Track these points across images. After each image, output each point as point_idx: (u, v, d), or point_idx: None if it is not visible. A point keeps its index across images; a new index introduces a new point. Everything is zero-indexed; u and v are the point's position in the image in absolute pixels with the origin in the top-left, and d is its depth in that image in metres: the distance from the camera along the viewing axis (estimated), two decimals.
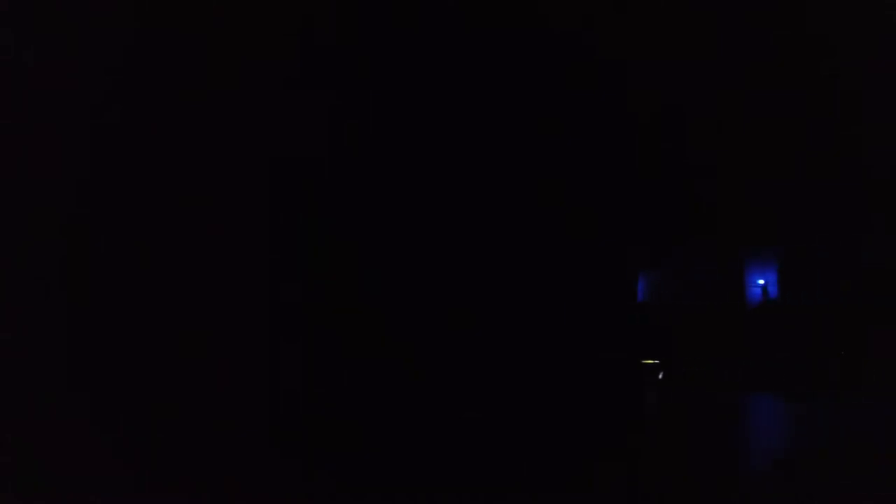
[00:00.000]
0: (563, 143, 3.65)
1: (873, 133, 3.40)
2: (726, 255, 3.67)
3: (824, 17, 3.46)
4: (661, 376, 3.52)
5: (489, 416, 3.19)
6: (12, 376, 3.37)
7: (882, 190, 3.38)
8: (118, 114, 3.96)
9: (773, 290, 3.56)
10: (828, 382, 3.21)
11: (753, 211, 3.49)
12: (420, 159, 3.76)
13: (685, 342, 3.61)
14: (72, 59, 3.89)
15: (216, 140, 3.90)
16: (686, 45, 3.55)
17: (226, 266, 3.89)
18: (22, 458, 2.77)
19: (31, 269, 3.79)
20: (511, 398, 3.39)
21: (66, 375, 3.53)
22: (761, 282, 3.54)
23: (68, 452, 2.80)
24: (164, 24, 3.90)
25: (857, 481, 2.35)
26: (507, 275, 3.65)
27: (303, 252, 3.82)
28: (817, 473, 2.45)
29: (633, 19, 3.58)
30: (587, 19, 3.61)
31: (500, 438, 3.04)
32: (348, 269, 3.76)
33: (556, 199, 3.64)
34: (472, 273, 3.66)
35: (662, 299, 3.72)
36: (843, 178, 3.41)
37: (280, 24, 3.83)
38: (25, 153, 3.86)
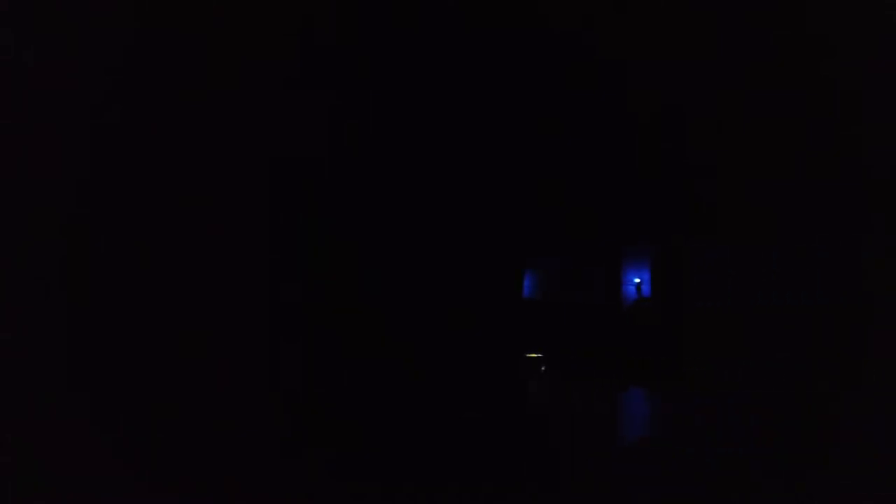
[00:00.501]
0: (563, 143, 3.65)
1: (873, 133, 3.40)
2: (606, 253, 3.84)
3: (824, 17, 3.46)
4: (543, 369, 3.70)
5: (488, 415, 3.20)
6: (12, 376, 3.37)
7: (882, 190, 3.38)
8: (118, 114, 3.97)
9: (646, 289, 3.74)
10: (695, 379, 3.35)
11: (752, 210, 3.49)
12: (420, 159, 3.76)
13: (567, 337, 3.81)
14: (72, 59, 3.89)
15: (216, 140, 3.90)
16: (686, 45, 3.55)
17: (226, 266, 3.89)
18: (22, 458, 2.77)
19: (31, 269, 3.79)
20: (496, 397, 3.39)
21: (66, 375, 3.53)
22: (637, 280, 3.70)
23: (68, 452, 2.80)
24: (164, 24, 3.90)
25: (694, 465, 2.62)
26: (496, 274, 3.66)
27: (303, 252, 3.82)
28: (663, 456, 2.66)
29: (633, 19, 3.59)
30: (587, 19, 3.61)
31: (499, 438, 3.04)
32: (348, 269, 3.76)
33: (556, 199, 3.64)
34: (473, 272, 3.67)
35: (546, 296, 3.90)
36: (843, 178, 3.41)
37: (280, 24, 3.83)
38: (25, 153, 3.86)
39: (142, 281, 3.96)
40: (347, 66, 3.83)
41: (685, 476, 2.76)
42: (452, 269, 3.55)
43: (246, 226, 3.91)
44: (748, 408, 3.18)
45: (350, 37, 3.81)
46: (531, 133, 3.70)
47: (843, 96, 3.44)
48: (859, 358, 3.24)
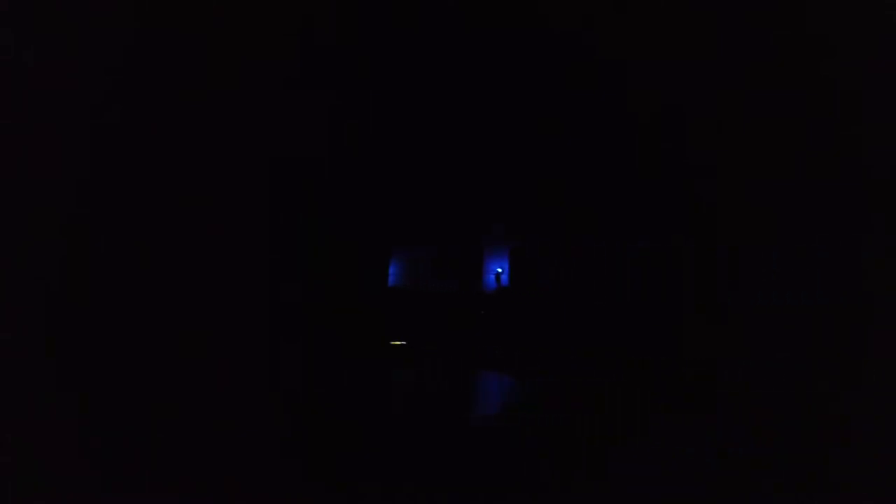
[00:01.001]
0: (563, 143, 3.65)
1: (873, 133, 3.40)
2: (469, 243, 3.93)
3: (824, 17, 3.46)
4: (407, 355, 3.81)
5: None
6: (12, 376, 3.37)
7: (882, 190, 3.38)
8: (118, 114, 3.97)
9: (504, 279, 3.86)
10: (555, 364, 3.57)
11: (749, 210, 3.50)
12: (420, 159, 3.76)
13: (431, 324, 3.92)
14: (72, 59, 3.89)
15: (216, 140, 3.90)
16: (686, 45, 3.55)
17: (226, 266, 3.89)
18: (22, 458, 2.77)
19: (31, 269, 3.79)
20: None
21: (67, 375, 3.53)
22: (499, 270, 3.80)
23: (68, 452, 2.80)
24: (164, 24, 3.90)
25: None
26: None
27: (303, 252, 3.82)
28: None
29: (633, 19, 3.59)
30: (587, 19, 3.61)
31: (499, 439, 3.04)
32: (348, 268, 3.76)
33: (556, 198, 3.64)
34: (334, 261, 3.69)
35: (412, 284, 3.98)
36: (843, 178, 3.41)
37: (280, 24, 3.83)
38: (25, 153, 3.86)
39: (142, 281, 3.96)
40: (347, 66, 3.83)
41: (684, 476, 2.76)
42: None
43: (246, 226, 3.91)
44: (748, 409, 3.18)
45: (350, 37, 3.82)
46: (531, 133, 3.70)
47: (843, 96, 3.44)
48: (859, 358, 3.24)
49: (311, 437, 3.08)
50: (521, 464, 2.90)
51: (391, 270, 3.89)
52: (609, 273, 3.45)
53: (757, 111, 3.49)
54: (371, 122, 3.81)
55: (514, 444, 3.00)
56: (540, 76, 3.67)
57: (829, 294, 3.34)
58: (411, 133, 3.84)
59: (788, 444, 2.93)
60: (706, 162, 3.50)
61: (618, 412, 3.20)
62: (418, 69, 3.76)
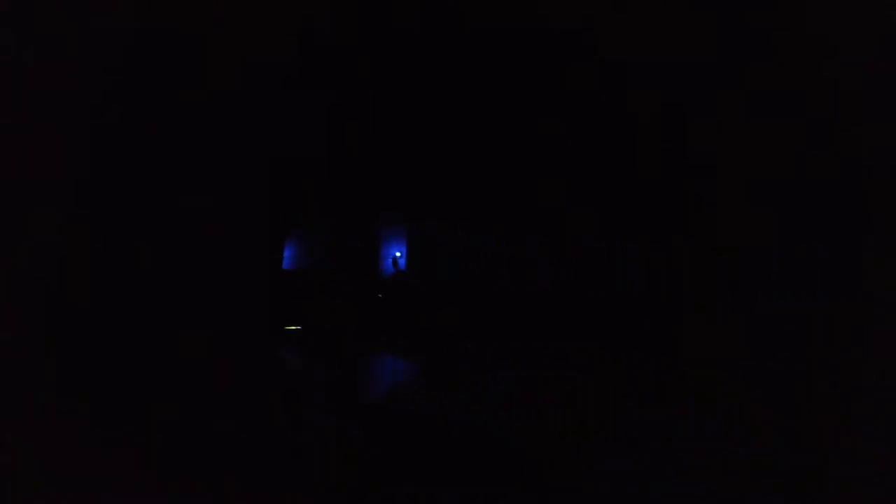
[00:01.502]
0: (564, 143, 3.65)
1: (873, 133, 3.40)
2: (365, 227, 3.97)
3: (824, 17, 3.47)
4: (302, 339, 3.85)
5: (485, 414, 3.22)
6: (12, 376, 3.37)
7: (882, 190, 3.38)
8: (118, 114, 3.97)
9: (402, 263, 3.91)
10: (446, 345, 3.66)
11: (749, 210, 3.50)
12: (420, 159, 3.76)
13: (327, 308, 3.97)
14: (72, 59, 3.89)
15: (216, 140, 3.90)
16: (686, 45, 3.56)
17: (226, 266, 3.90)
18: (22, 458, 2.77)
19: (31, 269, 3.79)
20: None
21: (67, 375, 3.53)
22: (398, 254, 3.83)
23: (68, 452, 2.80)
24: (164, 24, 3.90)
25: (694, 465, 2.83)
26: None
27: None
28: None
29: (633, 19, 3.59)
30: (587, 19, 3.61)
31: (499, 438, 3.05)
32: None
33: (556, 198, 3.64)
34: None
35: (308, 267, 4.02)
36: (843, 178, 3.41)
37: (280, 24, 3.83)
38: (25, 153, 3.86)
39: (142, 281, 3.96)
40: (347, 66, 3.83)
41: (684, 476, 2.76)
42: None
43: (246, 226, 3.92)
44: (748, 409, 3.18)
45: (350, 37, 3.82)
46: (531, 133, 3.70)
47: (843, 96, 3.44)
48: (859, 358, 3.24)
49: (311, 437, 3.08)
50: (513, 462, 2.91)
51: (286, 254, 3.91)
52: (786, 278, 3.41)
53: (757, 111, 3.49)
54: (371, 122, 3.81)
55: (503, 443, 3.01)
56: (540, 76, 3.67)
57: (829, 294, 3.35)
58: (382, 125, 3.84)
59: (788, 444, 2.93)
60: (706, 162, 3.51)
61: (617, 412, 3.21)
62: (418, 69, 3.76)
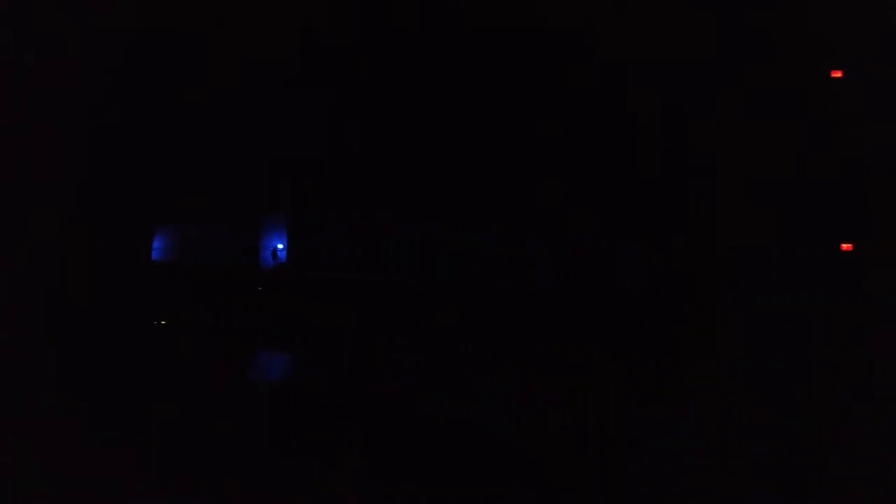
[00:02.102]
0: (564, 143, 3.65)
1: (873, 133, 3.40)
2: (244, 218, 3.94)
3: (824, 17, 3.47)
4: (170, 334, 3.81)
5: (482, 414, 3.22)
6: (12, 376, 3.37)
7: (882, 190, 3.38)
8: (118, 114, 3.97)
9: (282, 255, 3.89)
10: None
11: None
12: (420, 159, 3.76)
13: (201, 301, 3.92)
14: (72, 59, 3.89)
15: (216, 140, 3.90)
16: (686, 45, 3.56)
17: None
18: (22, 458, 2.77)
19: (31, 269, 3.79)
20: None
21: (66, 375, 3.53)
22: (280, 246, 3.80)
23: (68, 452, 2.80)
24: (164, 24, 3.90)
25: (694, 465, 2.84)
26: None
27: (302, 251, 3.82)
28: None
29: (633, 19, 3.59)
30: (587, 19, 3.61)
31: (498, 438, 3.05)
32: (104, 245, 3.80)
33: (556, 198, 3.64)
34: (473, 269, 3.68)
35: (181, 259, 3.96)
36: (843, 178, 3.41)
37: (280, 24, 3.83)
38: (25, 153, 3.86)
39: (141, 280, 3.96)
40: (347, 66, 3.83)
41: (684, 475, 2.76)
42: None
43: (246, 226, 3.91)
44: (748, 409, 3.19)
45: (350, 37, 3.81)
46: (531, 132, 3.70)
47: (843, 96, 3.44)
48: (859, 358, 3.24)
49: (311, 437, 3.08)
50: (513, 462, 2.91)
51: (158, 246, 3.85)
52: (786, 278, 3.39)
53: (757, 111, 3.49)
54: (371, 122, 3.81)
55: (503, 443, 3.01)
56: (540, 76, 3.67)
57: (829, 294, 3.34)
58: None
59: (788, 444, 2.93)
60: (706, 162, 3.51)
61: (617, 412, 3.21)
62: (418, 69, 3.76)
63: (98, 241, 3.98)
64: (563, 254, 3.60)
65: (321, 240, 3.82)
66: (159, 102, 4.00)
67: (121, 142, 3.99)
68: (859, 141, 3.40)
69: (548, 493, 2.69)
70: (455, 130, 3.74)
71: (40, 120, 3.89)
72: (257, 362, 3.83)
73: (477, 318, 3.60)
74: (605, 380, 3.36)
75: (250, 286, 3.89)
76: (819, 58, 3.46)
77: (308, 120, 3.86)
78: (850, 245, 3.37)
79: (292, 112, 3.87)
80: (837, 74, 3.42)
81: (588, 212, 3.60)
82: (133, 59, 3.94)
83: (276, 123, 3.87)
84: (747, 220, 3.45)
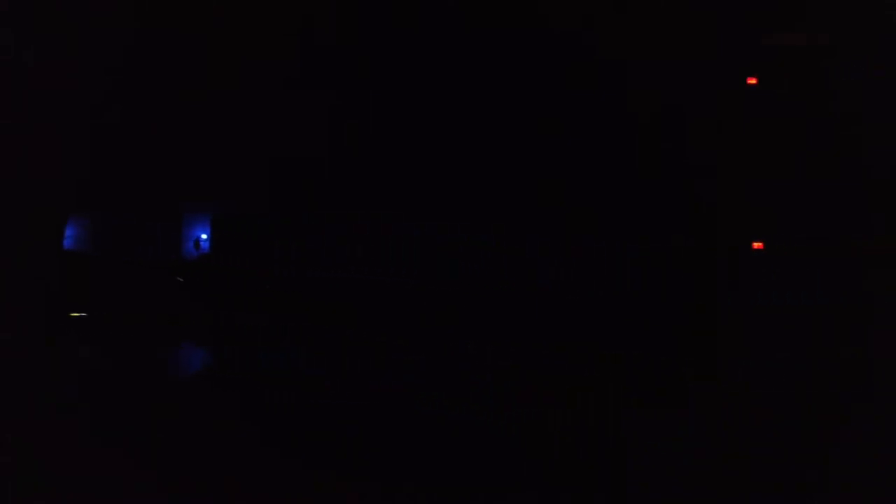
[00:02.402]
0: (564, 143, 3.65)
1: (873, 133, 3.40)
2: (166, 208, 3.89)
3: (824, 17, 3.47)
4: (90, 327, 3.75)
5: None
6: (12, 376, 3.37)
7: (882, 190, 3.39)
8: (118, 114, 3.97)
9: (205, 245, 3.83)
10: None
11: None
12: (420, 159, 3.76)
13: (118, 293, 3.85)
14: (72, 59, 3.89)
15: (216, 140, 3.90)
16: (686, 44, 3.56)
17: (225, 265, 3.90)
18: (22, 458, 2.77)
19: (31, 269, 3.79)
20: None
21: (66, 375, 3.53)
22: (204, 236, 3.75)
23: (68, 452, 2.80)
24: (164, 24, 3.90)
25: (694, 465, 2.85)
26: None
27: (302, 252, 3.82)
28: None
29: (633, 19, 3.59)
30: (587, 19, 3.62)
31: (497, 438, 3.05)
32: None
33: (556, 198, 3.64)
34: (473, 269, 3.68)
35: (96, 249, 3.89)
36: (843, 178, 3.41)
37: (280, 24, 3.83)
38: (25, 153, 3.86)
39: (141, 280, 3.96)
40: (347, 66, 3.83)
41: (684, 476, 2.76)
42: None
43: (245, 224, 3.92)
44: (748, 409, 3.19)
45: (350, 37, 3.82)
46: (531, 132, 3.70)
47: (843, 96, 3.44)
48: (859, 358, 3.24)
49: (311, 437, 3.08)
50: (513, 462, 2.91)
51: (70, 235, 3.76)
52: (786, 278, 3.39)
53: (757, 111, 3.50)
54: (371, 122, 3.81)
55: (503, 443, 3.01)
56: (540, 76, 3.68)
57: (829, 294, 3.35)
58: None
59: (788, 444, 2.93)
60: (706, 162, 3.51)
61: (617, 412, 3.21)
62: (418, 69, 3.76)
63: (98, 241, 3.98)
64: (563, 254, 3.60)
65: (321, 240, 3.81)
66: (159, 102, 3.99)
67: (121, 142, 3.98)
68: (859, 141, 3.40)
69: (548, 493, 2.69)
70: (455, 130, 3.74)
71: (40, 120, 3.89)
72: (178, 356, 3.79)
73: (477, 318, 3.60)
74: (605, 380, 3.36)
75: (173, 277, 3.83)
76: (819, 58, 3.47)
77: (308, 120, 3.86)
78: (760, 244, 3.40)
79: (292, 112, 3.87)
80: (752, 81, 3.44)
81: (588, 212, 3.60)
82: (133, 59, 3.94)
83: (276, 123, 3.87)
84: (747, 220, 3.46)
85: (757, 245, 3.38)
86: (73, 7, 3.87)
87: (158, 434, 3.03)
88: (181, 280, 3.86)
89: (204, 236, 3.82)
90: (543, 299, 3.58)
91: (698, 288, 3.46)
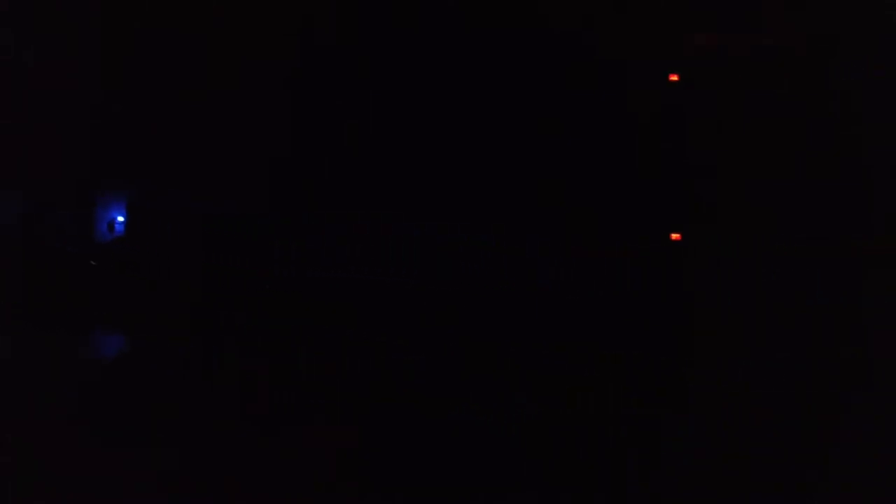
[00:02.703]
0: (564, 143, 3.65)
1: (873, 133, 3.41)
2: (80, 192, 3.82)
3: (824, 17, 3.47)
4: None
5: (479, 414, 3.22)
6: (12, 376, 3.38)
7: (882, 190, 3.39)
8: (118, 114, 3.97)
9: (119, 228, 3.77)
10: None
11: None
12: (420, 159, 3.76)
13: (29, 278, 3.79)
14: (72, 59, 3.89)
15: (216, 140, 3.90)
16: (686, 44, 3.56)
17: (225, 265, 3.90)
18: (22, 458, 2.77)
19: (31, 269, 3.80)
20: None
21: (66, 375, 3.53)
22: (121, 219, 3.68)
23: (68, 452, 2.80)
24: (164, 24, 3.90)
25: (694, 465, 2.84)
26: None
27: (302, 252, 3.82)
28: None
29: (633, 19, 3.59)
30: (587, 19, 3.62)
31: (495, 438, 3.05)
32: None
33: (556, 198, 3.64)
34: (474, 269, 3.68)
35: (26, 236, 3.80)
36: (843, 178, 3.42)
37: (280, 24, 3.83)
38: (25, 153, 3.86)
39: (141, 280, 3.96)
40: (347, 66, 3.83)
41: (685, 476, 2.76)
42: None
43: (245, 224, 3.92)
44: (748, 409, 3.19)
45: (350, 37, 3.82)
46: (531, 133, 3.70)
47: (843, 96, 3.44)
48: (859, 358, 3.24)
49: (311, 437, 3.08)
50: (513, 462, 2.91)
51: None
52: (785, 278, 3.39)
53: (757, 111, 3.50)
54: (371, 122, 3.81)
55: (503, 443, 3.01)
56: (540, 76, 3.68)
57: (829, 294, 3.35)
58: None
59: (788, 444, 2.93)
60: (706, 162, 3.51)
61: (617, 412, 3.21)
62: (418, 69, 3.76)
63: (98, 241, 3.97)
64: (563, 254, 3.60)
65: (321, 240, 3.80)
66: (159, 102, 3.99)
67: (121, 142, 3.99)
68: (859, 141, 3.40)
69: (548, 493, 2.69)
70: (455, 130, 3.74)
71: (40, 120, 3.89)
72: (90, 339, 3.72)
73: (477, 318, 3.60)
74: (605, 380, 3.35)
75: (84, 262, 3.76)
76: (819, 58, 3.47)
77: (308, 120, 3.86)
78: (678, 235, 3.40)
79: (292, 112, 3.87)
80: (674, 78, 3.45)
81: (588, 212, 3.60)
82: (133, 59, 3.94)
83: (277, 123, 3.87)
84: (747, 220, 3.46)
85: (675, 236, 3.39)
86: (73, 7, 3.87)
87: (158, 434, 3.02)
88: (93, 263, 3.79)
89: (120, 218, 3.75)
90: (543, 299, 3.58)
91: (698, 288, 3.46)
